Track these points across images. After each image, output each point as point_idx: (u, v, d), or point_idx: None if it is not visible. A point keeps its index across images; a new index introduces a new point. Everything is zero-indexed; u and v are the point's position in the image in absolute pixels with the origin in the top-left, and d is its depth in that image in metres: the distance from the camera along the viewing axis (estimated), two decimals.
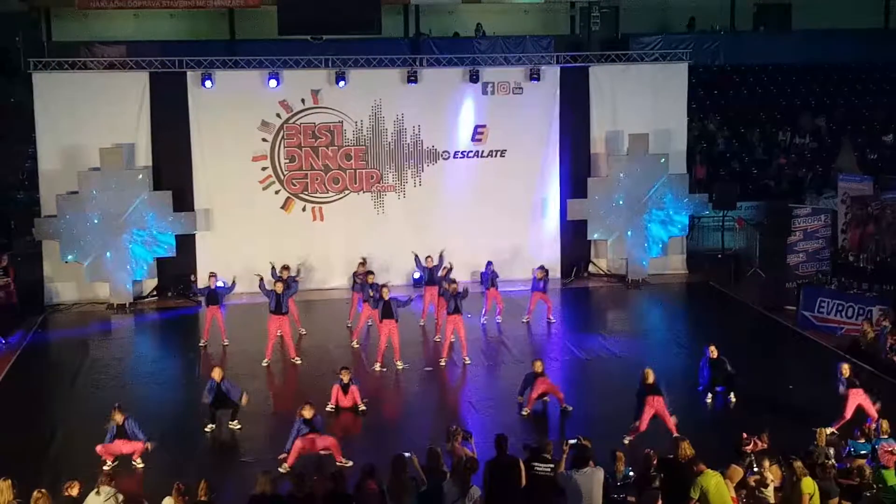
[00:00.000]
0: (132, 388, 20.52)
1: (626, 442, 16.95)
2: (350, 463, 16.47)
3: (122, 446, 16.94)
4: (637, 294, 28.14)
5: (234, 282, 24.10)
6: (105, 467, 16.05)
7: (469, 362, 21.86)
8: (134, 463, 16.99)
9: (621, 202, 28.47)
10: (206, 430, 18.53)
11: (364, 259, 25.38)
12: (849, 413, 17.67)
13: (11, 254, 26.68)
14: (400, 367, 21.55)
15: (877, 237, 26.15)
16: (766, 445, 15.31)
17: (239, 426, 18.54)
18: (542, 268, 25.09)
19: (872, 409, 17.52)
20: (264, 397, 20.33)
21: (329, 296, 27.43)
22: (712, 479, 13.23)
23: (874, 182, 27.80)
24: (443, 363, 21.97)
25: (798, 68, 38.28)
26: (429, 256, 24.78)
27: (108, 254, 26.67)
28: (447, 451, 14.50)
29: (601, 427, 17.76)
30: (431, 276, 24.51)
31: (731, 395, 19.61)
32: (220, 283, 23.89)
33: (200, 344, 23.42)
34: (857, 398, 17.73)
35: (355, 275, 24.78)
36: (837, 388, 17.94)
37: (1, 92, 32.79)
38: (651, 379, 17.55)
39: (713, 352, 19.73)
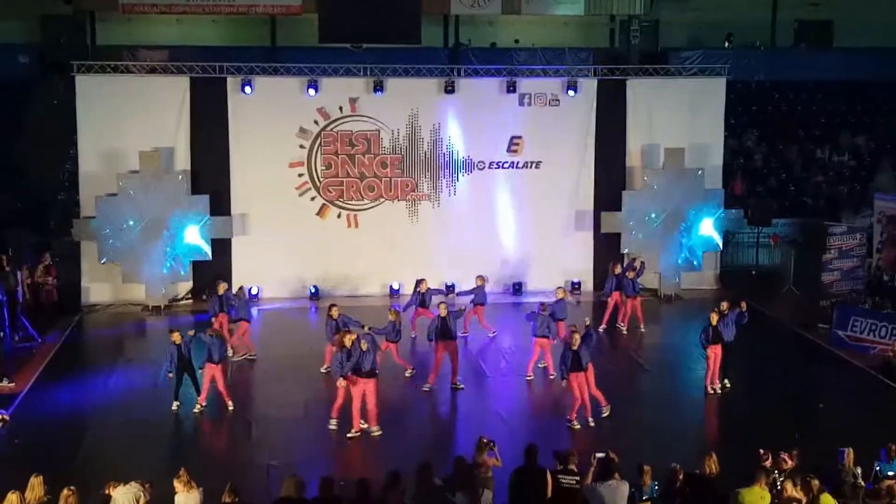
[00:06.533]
0: (164, 390, 20.66)
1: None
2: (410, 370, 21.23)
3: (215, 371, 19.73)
4: (670, 308, 28.08)
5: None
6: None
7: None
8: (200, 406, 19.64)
9: (655, 216, 28.45)
10: (172, 408, 19.57)
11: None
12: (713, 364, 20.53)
13: (51, 253, 27.04)
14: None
15: None
16: (794, 463, 15.20)
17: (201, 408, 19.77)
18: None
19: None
20: (295, 401, 20.44)
21: (362, 303, 27.46)
22: (750, 497, 13.18)
23: None
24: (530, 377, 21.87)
25: (838, 85, 38.03)
26: (422, 280, 24.42)
27: (144, 256, 26.96)
28: (476, 462, 14.51)
29: (630, 441, 17.78)
30: (424, 300, 24.04)
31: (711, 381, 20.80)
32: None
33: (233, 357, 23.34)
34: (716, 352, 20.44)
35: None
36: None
37: (45, 94, 33.20)
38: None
39: (724, 306, 20.84)
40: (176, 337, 19.66)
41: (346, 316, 21.35)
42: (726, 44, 38.99)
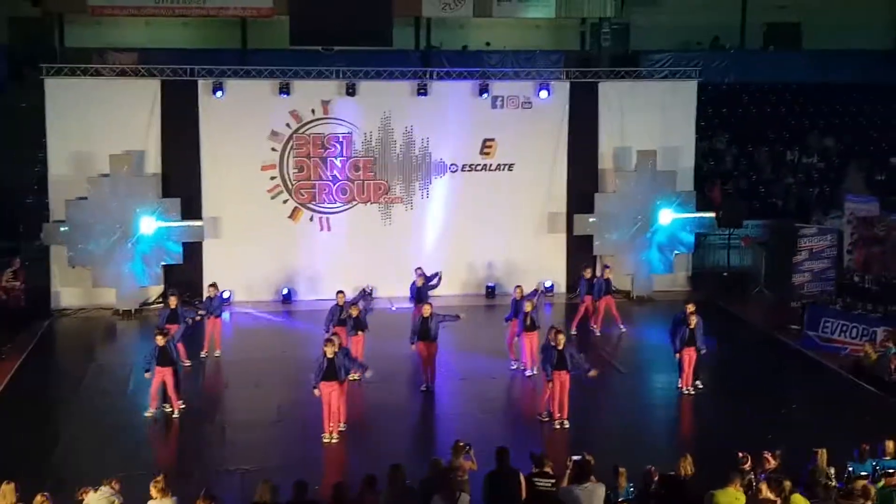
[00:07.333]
0: (136, 394, 20.52)
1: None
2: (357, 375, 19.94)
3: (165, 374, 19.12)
4: (642, 310, 28.16)
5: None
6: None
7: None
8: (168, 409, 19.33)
9: (627, 218, 28.52)
10: (147, 415, 19.30)
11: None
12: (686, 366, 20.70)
13: (21, 257, 26.78)
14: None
15: (883, 258, 26.15)
16: (777, 462, 15.20)
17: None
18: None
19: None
20: (268, 405, 20.34)
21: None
22: (725, 498, 13.21)
23: (880, 203, 27.79)
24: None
25: (807, 88, 38.25)
26: (418, 268, 24.60)
27: (115, 260, 26.76)
28: (452, 466, 14.47)
29: (604, 443, 17.81)
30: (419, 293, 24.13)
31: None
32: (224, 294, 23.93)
33: (202, 355, 23.23)
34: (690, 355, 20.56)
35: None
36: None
37: (13, 97, 32.91)
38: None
39: (690, 308, 20.82)
40: (160, 340, 19.31)
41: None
42: (724, 46, 39.11)
